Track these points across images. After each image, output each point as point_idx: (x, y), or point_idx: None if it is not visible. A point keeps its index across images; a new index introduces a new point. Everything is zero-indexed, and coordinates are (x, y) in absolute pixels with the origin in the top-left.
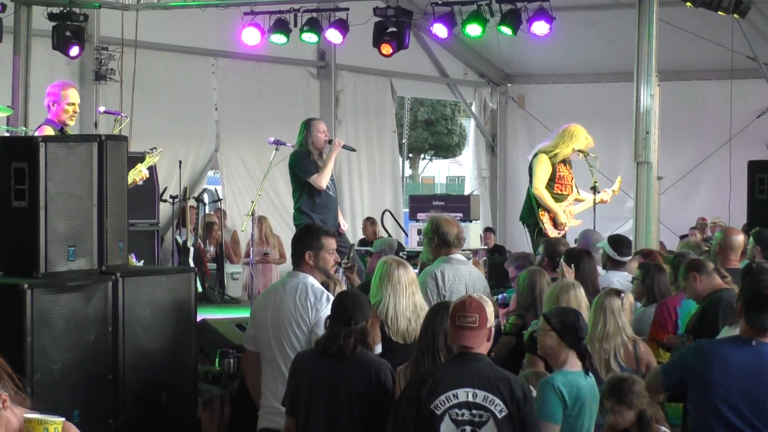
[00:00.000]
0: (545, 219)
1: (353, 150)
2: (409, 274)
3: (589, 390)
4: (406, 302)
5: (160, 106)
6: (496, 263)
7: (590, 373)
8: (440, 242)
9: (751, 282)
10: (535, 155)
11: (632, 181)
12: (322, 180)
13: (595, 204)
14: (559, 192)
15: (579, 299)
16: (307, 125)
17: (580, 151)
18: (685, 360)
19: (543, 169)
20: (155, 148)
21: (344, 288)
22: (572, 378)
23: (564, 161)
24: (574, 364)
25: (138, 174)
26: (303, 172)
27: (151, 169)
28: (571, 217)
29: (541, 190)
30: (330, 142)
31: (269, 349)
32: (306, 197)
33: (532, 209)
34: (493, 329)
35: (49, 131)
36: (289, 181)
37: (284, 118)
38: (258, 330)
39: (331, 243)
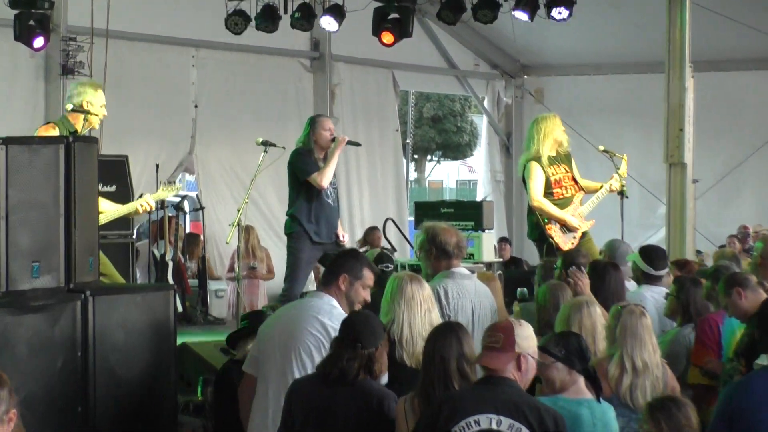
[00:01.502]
0: (554, 232)
1: (358, 145)
2: (424, 290)
3: (608, 419)
4: (422, 321)
5: (135, 104)
6: (512, 277)
7: (601, 400)
8: (439, 253)
9: None
10: (523, 166)
11: (664, 184)
12: (323, 178)
13: (618, 193)
14: (561, 197)
15: (594, 318)
16: (313, 122)
17: (606, 151)
18: (731, 400)
19: (535, 178)
20: (173, 182)
21: None
22: (595, 406)
23: (555, 159)
24: (584, 391)
25: (140, 205)
26: (302, 171)
27: (125, 172)
28: (582, 219)
29: (540, 201)
30: (333, 140)
31: (272, 372)
32: (302, 202)
33: (536, 224)
34: (529, 360)
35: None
36: (280, 187)
37: (273, 116)
38: (264, 350)
39: (371, 279)
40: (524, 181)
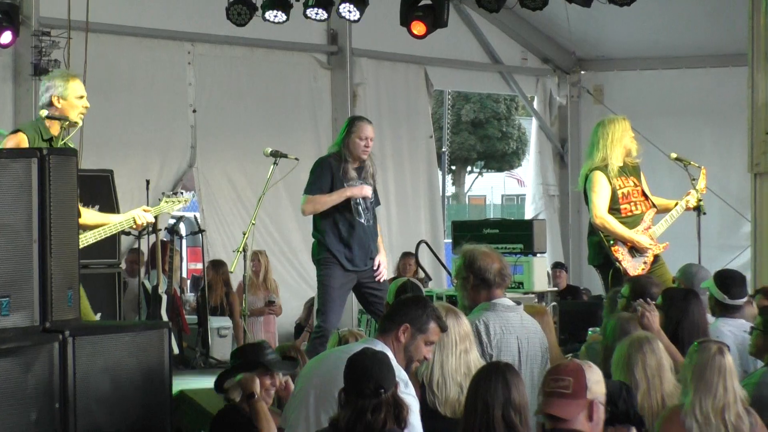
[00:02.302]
0: (621, 255)
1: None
2: (461, 326)
3: None
4: (457, 362)
5: (121, 109)
6: (569, 310)
7: None
8: (477, 282)
9: None
10: (585, 177)
11: (749, 197)
12: (311, 206)
13: (694, 209)
14: (629, 214)
15: (658, 355)
16: (350, 124)
17: (679, 159)
18: None
19: (599, 190)
20: (181, 192)
21: None
22: None
23: (623, 170)
24: None
25: (136, 216)
26: (308, 184)
27: (110, 190)
28: (655, 241)
29: (604, 218)
30: (360, 169)
31: (300, 420)
32: (326, 223)
33: (600, 246)
34: (600, 407)
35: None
36: (294, 206)
37: (284, 122)
38: (297, 393)
39: (436, 335)
40: (585, 195)
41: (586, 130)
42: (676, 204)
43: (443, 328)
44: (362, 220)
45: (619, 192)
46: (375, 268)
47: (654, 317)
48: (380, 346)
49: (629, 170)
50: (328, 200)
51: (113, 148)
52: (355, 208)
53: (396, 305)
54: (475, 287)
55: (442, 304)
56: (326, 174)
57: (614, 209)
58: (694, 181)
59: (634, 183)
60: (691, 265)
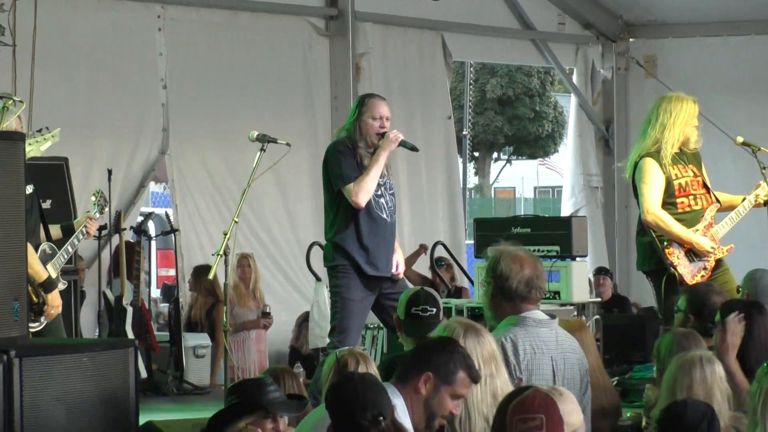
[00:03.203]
0: (677, 259)
1: (415, 150)
2: (484, 346)
3: None
4: (483, 392)
5: (78, 85)
6: (615, 325)
7: None
8: (505, 291)
9: None
10: (635, 164)
11: None
12: (361, 191)
13: (765, 204)
14: (687, 209)
15: (710, 382)
16: (361, 104)
17: (746, 144)
18: None
19: (652, 181)
20: (46, 128)
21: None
22: None
23: (680, 157)
24: None
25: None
26: (337, 177)
27: (64, 181)
28: (717, 243)
29: (657, 215)
30: (383, 135)
31: None
32: (342, 220)
33: (651, 248)
34: None
35: None
36: (285, 199)
37: (273, 100)
38: None
39: (465, 388)
40: (635, 186)
41: (635, 109)
42: (744, 199)
43: (475, 379)
44: (384, 215)
45: (675, 183)
46: (394, 269)
47: (735, 337)
48: (396, 393)
49: (688, 158)
50: (373, 173)
51: (68, 131)
52: (376, 202)
53: (418, 349)
54: (495, 297)
55: (460, 319)
56: (348, 156)
57: (669, 203)
58: (765, 171)
59: (694, 172)
60: (757, 270)
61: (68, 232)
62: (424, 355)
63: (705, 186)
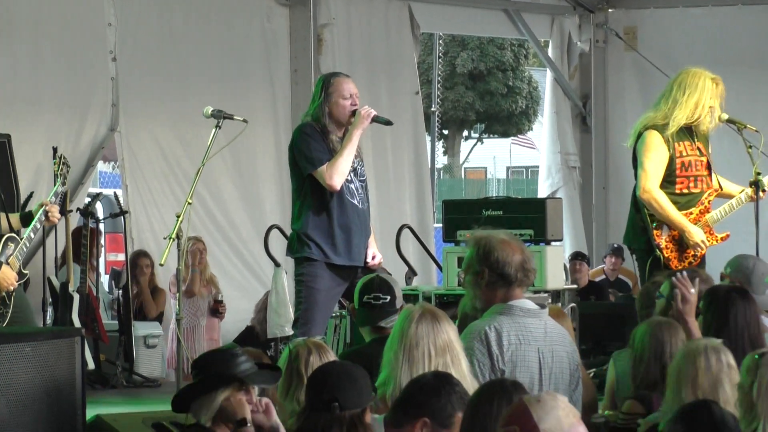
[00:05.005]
0: (664, 240)
1: (389, 123)
2: (439, 334)
3: None
4: None
5: (21, 56)
6: (591, 313)
7: None
8: (495, 278)
9: None
10: (639, 135)
11: None
12: (336, 172)
13: (751, 185)
14: (686, 191)
15: (716, 372)
16: (325, 83)
17: (731, 121)
18: None
19: (654, 157)
20: None
21: None
22: None
23: (688, 132)
24: None
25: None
26: (307, 160)
27: (7, 160)
28: (710, 232)
29: (653, 193)
30: (354, 113)
31: None
32: (311, 209)
33: (641, 226)
34: None
35: None
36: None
37: (230, 73)
38: None
39: (458, 424)
40: (634, 157)
41: (614, 84)
42: (743, 191)
43: None
44: (356, 201)
45: (678, 161)
46: (370, 260)
47: (690, 300)
48: None
49: (698, 135)
50: (347, 153)
51: (11, 106)
52: (347, 188)
53: (411, 391)
54: (491, 285)
55: (422, 306)
56: (318, 138)
57: (668, 182)
58: (751, 150)
59: (701, 151)
60: (746, 257)
61: (27, 220)
62: (417, 399)
63: (708, 167)
